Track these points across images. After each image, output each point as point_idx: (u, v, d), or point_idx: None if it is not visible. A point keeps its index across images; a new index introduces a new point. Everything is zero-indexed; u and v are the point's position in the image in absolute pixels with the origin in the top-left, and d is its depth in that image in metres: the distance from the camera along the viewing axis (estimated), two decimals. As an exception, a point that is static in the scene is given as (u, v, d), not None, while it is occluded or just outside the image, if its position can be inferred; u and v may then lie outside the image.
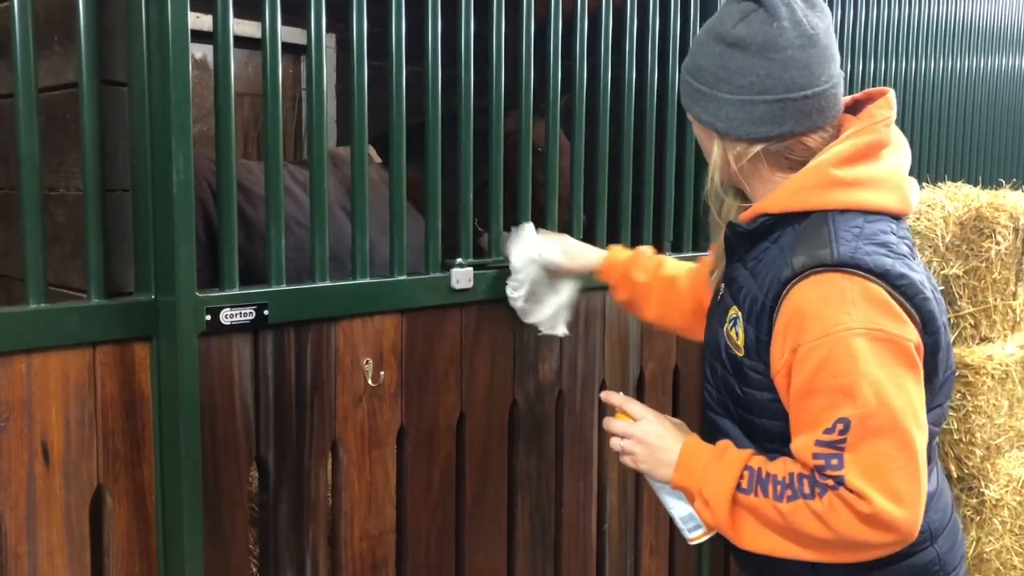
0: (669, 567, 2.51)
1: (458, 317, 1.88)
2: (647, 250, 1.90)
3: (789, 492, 1.27)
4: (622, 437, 1.50)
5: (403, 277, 1.77)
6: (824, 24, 1.36)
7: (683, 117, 2.41)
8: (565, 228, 2.15)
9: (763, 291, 1.35)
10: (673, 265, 1.84)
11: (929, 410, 1.32)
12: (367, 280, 1.71)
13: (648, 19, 2.28)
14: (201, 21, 3.34)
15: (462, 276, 1.85)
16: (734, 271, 1.45)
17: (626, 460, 1.50)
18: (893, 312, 1.26)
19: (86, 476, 1.42)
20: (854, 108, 1.44)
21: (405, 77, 1.75)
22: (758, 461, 1.35)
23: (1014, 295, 3.12)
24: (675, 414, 2.48)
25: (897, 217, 1.38)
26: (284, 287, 1.59)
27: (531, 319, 1.95)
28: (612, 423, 1.52)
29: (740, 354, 1.39)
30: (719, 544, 2.66)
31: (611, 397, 1.56)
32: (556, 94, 2.07)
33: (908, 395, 1.25)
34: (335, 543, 1.73)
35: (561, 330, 1.98)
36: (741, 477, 1.33)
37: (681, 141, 2.43)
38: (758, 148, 1.37)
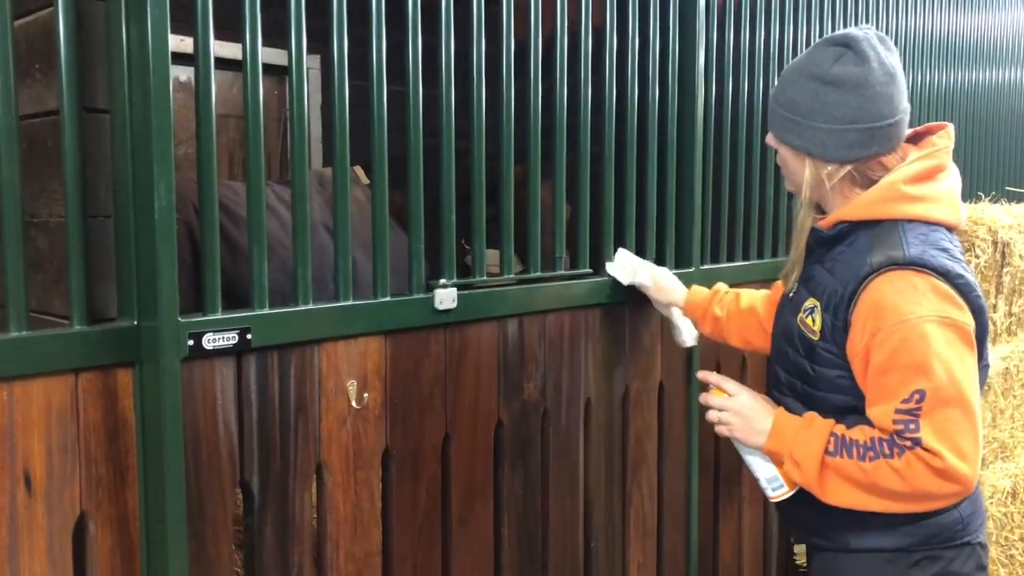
0: (657, 584, 2.52)
1: (442, 338, 1.89)
2: (722, 286, 2.18)
3: (871, 453, 1.52)
4: (719, 410, 1.73)
5: (386, 299, 1.78)
6: (898, 63, 1.62)
7: (664, 133, 2.44)
8: (548, 252, 2.18)
9: (842, 285, 1.59)
10: (748, 296, 2.10)
11: None
12: (350, 302, 1.71)
13: (627, 37, 2.31)
14: (185, 44, 3.34)
15: (446, 297, 1.86)
16: (812, 271, 1.71)
17: (722, 430, 1.74)
18: (956, 303, 1.52)
19: (69, 503, 1.41)
20: (914, 139, 1.70)
21: (387, 97, 1.77)
22: (840, 429, 1.58)
23: (994, 308, 3.15)
24: (660, 432, 2.49)
25: (951, 229, 1.64)
26: (267, 311, 1.59)
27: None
28: (711, 398, 1.76)
29: (816, 338, 1.64)
30: (707, 560, 2.66)
31: (708, 376, 1.79)
32: (536, 112, 2.08)
33: (969, 371, 1.51)
34: (321, 566, 1.73)
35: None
36: (828, 442, 1.56)
37: (663, 157, 2.45)
38: (848, 168, 1.63)
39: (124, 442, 1.47)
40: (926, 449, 1.47)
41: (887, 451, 1.51)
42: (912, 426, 1.48)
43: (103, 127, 1.47)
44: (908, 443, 1.49)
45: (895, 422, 1.50)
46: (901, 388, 1.49)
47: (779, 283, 1.96)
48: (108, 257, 1.49)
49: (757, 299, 2.07)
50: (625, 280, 2.24)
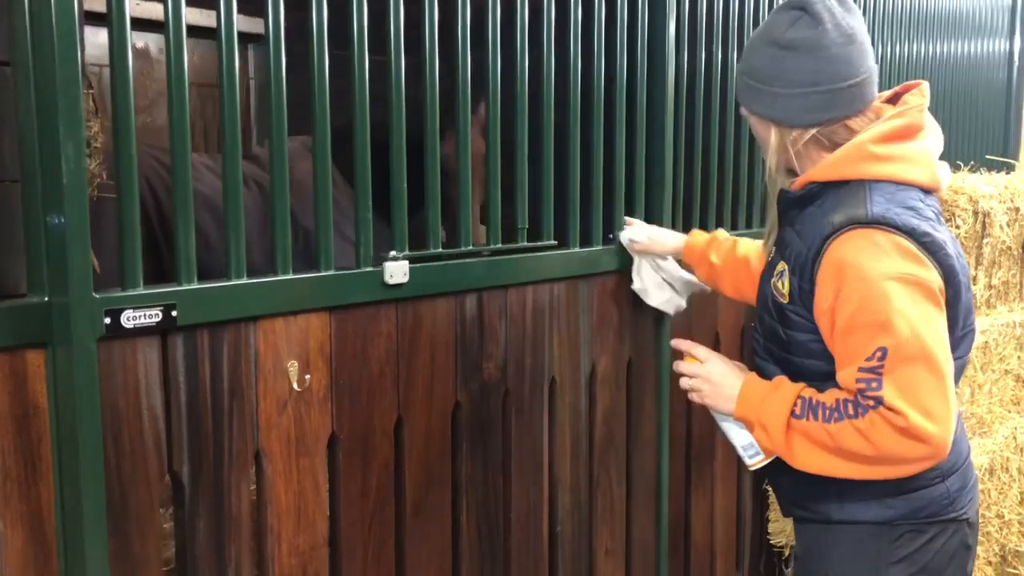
0: (626, 569, 2.42)
1: (393, 314, 1.76)
2: (722, 233, 2.12)
3: (836, 415, 1.46)
4: (690, 377, 1.72)
5: (329, 272, 1.65)
6: (859, 24, 1.58)
7: (633, 104, 2.32)
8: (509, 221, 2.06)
9: (807, 246, 1.55)
10: (745, 246, 2.04)
11: None
12: (289, 276, 1.59)
13: (593, 9, 2.18)
14: (143, 8, 3.19)
15: (396, 270, 1.73)
16: (784, 234, 1.66)
17: (693, 397, 1.72)
18: (920, 260, 1.46)
19: (-28, 498, 1.29)
20: (894, 100, 1.66)
21: (328, 65, 1.64)
22: (809, 392, 1.54)
23: (974, 280, 3.06)
24: (630, 409, 2.39)
25: (927, 191, 1.59)
26: (194, 286, 1.46)
27: (651, 301, 2.25)
28: (681, 365, 1.75)
29: (785, 301, 1.60)
30: (678, 546, 2.58)
31: (680, 344, 1.78)
32: (496, 83, 1.96)
33: (936, 329, 1.44)
34: (262, 560, 1.61)
35: (672, 308, 2.28)
36: (795, 405, 1.52)
37: (631, 128, 2.34)
38: (812, 132, 1.59)
39: (36, 430, 1.34)
40: (889, 408, 1.41)
41: (851, 412, 1.45)
42: (874, 384, 1.42)
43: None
44: (871, 402, 1.43)
45: (858, 381, 1.44)
46: (864, 347, 1.44)
47: None
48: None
49: (752, 249, 2.02)
50: (628, 241, 2.23)
